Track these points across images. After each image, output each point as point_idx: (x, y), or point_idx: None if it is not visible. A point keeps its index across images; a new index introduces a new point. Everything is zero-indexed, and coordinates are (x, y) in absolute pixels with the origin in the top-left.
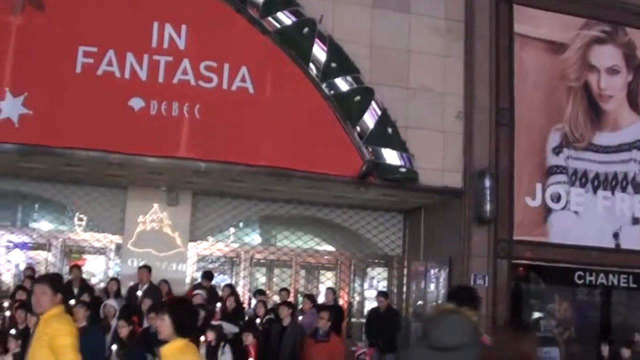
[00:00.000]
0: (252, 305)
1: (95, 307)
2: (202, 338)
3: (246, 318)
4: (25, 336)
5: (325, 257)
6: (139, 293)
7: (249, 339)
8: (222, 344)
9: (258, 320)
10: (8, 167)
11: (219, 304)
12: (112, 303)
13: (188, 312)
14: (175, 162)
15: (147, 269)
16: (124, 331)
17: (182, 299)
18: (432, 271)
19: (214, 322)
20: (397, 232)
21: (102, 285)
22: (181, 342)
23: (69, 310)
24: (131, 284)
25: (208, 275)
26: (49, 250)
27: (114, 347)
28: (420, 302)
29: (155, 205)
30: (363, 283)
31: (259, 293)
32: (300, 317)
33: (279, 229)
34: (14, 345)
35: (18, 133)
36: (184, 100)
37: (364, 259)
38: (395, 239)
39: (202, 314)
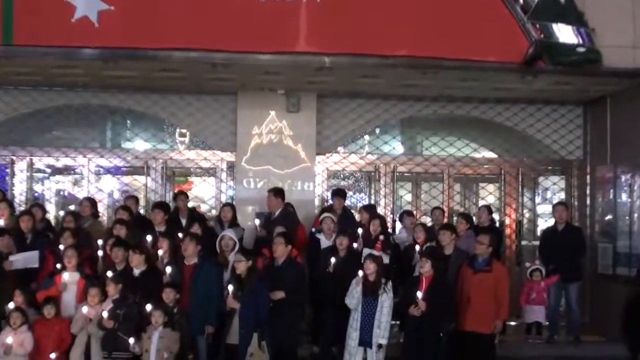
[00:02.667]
0: (398, 230)
1: (208, 239)
2: (360, 273)
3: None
4: (125, 279)
5: (486, 166)
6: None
7: (425, 267)
8: (383, 280)
9: (417, 248)
10: (92, 77)
11: (359, 230)
12: (230, 235)
13: None
14: (294, 58)
15: (274, 193)
16: (241, 267)
17: None
18: (623, 177)
19: (375, 253)
20: (576, 130)
21: (213, 213)
22: None
23: (178, 245)
24: (249, 209)
25: (340, 193)
26: (147, 175)
27: (231, 287)
28: (609, 217)
29: (272, 113)
30: (534, 196)
31: (406, 214)
32: None
33: (426, 134)
34: (113, 290)
35: (99, 34)
36: None
37: (534, 166)
38: (574, 139)
39: (344, 241)
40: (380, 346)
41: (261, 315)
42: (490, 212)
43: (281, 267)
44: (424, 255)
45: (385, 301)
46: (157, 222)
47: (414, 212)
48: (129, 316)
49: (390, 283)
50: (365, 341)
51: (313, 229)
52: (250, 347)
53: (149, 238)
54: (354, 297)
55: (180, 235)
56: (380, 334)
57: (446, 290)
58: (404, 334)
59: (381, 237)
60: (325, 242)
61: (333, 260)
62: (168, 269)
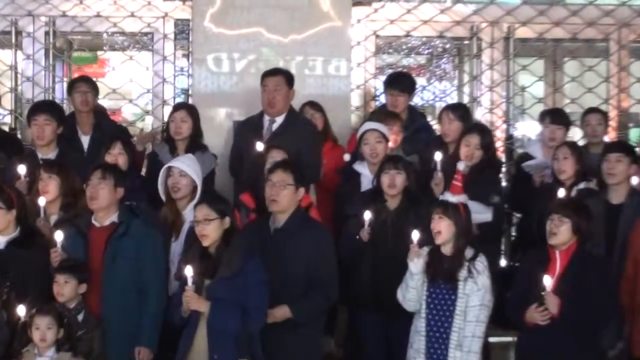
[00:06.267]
0: (530, 148)
1: (141, 177)
2: (415, 236)
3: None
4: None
5: None
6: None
7: (561, 234)
8: (469, 253)
9: (562, 193)
10: None
11: (437, 155)
12: (183, 166)
13: None
14: None
15: (280, 77)
16: (210, 232)
17: None
18: None
19: (449, 197)
20: None
21: (149, 123)
22: None
23: (79, 189)
24: (222, 113)
25: (398, 83)
26: (17, 47)
27: (190, 272)
28: None
29: None
30: None
31: (549, 117)
32: None
33: None
34: None
35: None
36: None
37: None
38: None
39: (397, 179)
40: None
41: (252, 325)
42: None
43: (283, 232)
44: (557, 210)
45: (473, 293)
46: (40, 143)
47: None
48: None
49: (482, 258)
50: None
51: (347, 156)
52: None
53: (22, 172)
54: (410, 287)
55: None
56: (464, 357)
57: (604, 275)
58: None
59: (460, 166)
60: (369, 178)
61: (368, 217)
62: (59, 236)
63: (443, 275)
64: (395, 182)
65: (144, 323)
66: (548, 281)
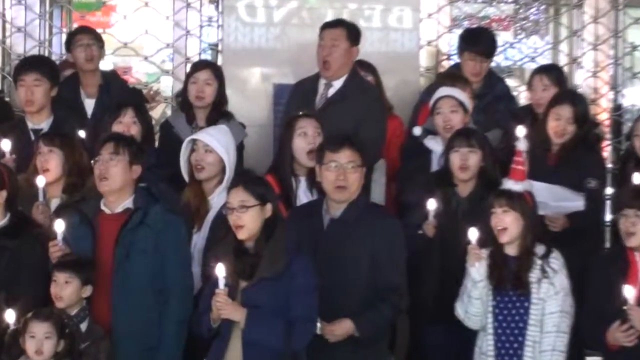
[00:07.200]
0: None
1: (156, 151)
2: (473, 236)
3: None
4: None
5: None
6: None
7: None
8: (539, 250)
9: (636, 179)
10: None
11: (520, 130)
12: (209, 139)
13: None
14: None
15: (340, 30)
16: (248, 222)
17: None
18: None
19: (512, 185)
20: None
21: (168, 86)
22: None
23: (85, 165)
24: (257, 73)
25: (474, 40)
26: None
27: (222, 271)
28: None
29: None
30: None
31: None
32: None
33: None
34: None
35: None
36: None
37: None
38: None
39: (470, 159)
40: None
41: (298, 340)
42: None
43: (342, 223)
44: (631, 204)
45: (550, 297)
46: (30, 109)
47: None
48: None
49: (557, 254)
50: None
51: (417, 129)
52: None
53: (6, 148)
54: (473, 299)
55: (81, 134)
56: None
57: None
58: None
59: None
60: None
61: (433, 207)
62: (60, 225)
63: (511, 280)
64: (468, 162)
65: (165, 334)
66: (630, 292)
